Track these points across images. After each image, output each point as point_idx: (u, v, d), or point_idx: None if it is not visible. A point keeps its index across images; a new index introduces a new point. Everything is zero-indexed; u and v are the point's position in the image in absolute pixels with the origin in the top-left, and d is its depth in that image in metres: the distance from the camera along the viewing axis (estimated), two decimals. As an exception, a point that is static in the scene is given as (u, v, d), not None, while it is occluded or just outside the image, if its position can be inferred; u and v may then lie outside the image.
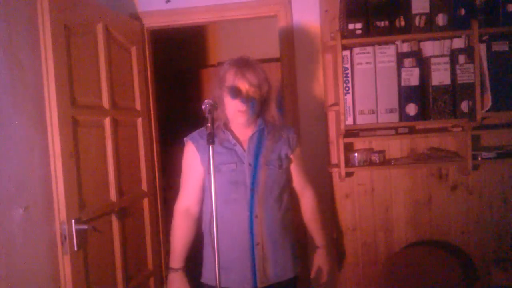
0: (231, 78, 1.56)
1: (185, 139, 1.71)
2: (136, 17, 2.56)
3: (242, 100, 1.55)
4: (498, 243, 2.29)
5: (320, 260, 1.82)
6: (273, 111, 1.68)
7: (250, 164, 1.61)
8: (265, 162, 1.63)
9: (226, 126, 1.66)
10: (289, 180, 1.76)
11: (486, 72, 2.09)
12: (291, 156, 1.74)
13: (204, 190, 1.71)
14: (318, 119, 2.51)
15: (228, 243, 1.58)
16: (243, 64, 1.58)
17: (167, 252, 2.67)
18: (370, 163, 2.26)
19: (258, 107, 1.62)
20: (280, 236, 1.66)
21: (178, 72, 4.11)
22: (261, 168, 1.62)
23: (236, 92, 1.54)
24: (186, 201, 1.70)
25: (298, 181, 1.82)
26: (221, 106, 1.61)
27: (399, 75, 2.12)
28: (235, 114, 1.59)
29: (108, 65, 2.10)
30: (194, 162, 1.66)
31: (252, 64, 1.59)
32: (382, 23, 2.11)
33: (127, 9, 2.56)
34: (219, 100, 1.60)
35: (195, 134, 1.70)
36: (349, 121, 2.15)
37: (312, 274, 1.83)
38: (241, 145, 1.64)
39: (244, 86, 1.56)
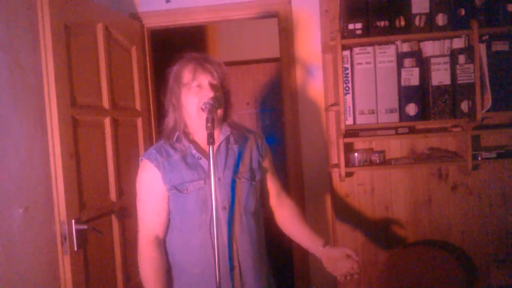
0: (191, 73, 1.38)
1: (140, 157, 1.47)
2: (136, 17, 2.56)
3: (208, 89, 1.37)
4: (498, 243, 2.29)
5: (335, 250, 1.46)
6: (232, 115, 1.49)
7: (219, 179, 1.40)
8: (236, 175, 1.43)
9: (188, 137, 1.43)
10: (262, 193, 1.56)
11: (486, 72, 2.09)
12: (264, 165, 1.53)
13: (171, 216, 1.45)
14: (318, 119, 2.51)
15: (202, 271, 1.39)
16: (202, 59, 1.41)
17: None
18: (370, 163, 2.26)
19: (222, 106, 1.41)
20: (257, 257, 1.46)
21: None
22: (233, 182, 1.41)
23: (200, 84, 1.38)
24: (152, 228, 1.43)
25: (273, 191, 1.59)
26: (178, 110, 1.42)
27: (399, 75, 2.12)
28: (199, 112, 1.36)
29: (108, 65, 2.10)
30: (155, 183, 1.41)
31: (210, 59, 1.42)
32: (382, 23, 2.11)
33: (127, 9, 2.56)
34: (176, 103, 1.42)
35: (151, 151, 1.45)
36: (349, 121, 2.14)
37: (339, 271, 1.42)
38: (207, 158, 1.39)
39: (207, 78, 1.38)
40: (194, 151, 1.42)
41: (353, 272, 1.40)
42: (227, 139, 1.46)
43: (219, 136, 1.45)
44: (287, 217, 1.59)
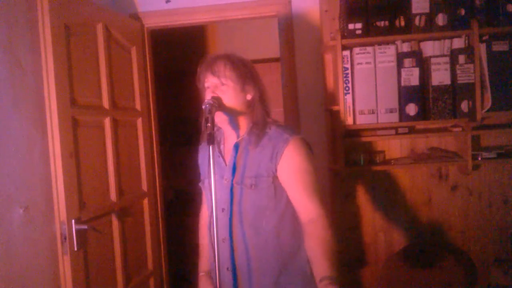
0: (200, 75, 1.43)
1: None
2: (136, 17, 2.56)
3: (208, 89, 1.40)
4: (498, 243, 2.29)
5: None
6: (258, 113, 1.42)
7: (226, 180, 1.43)
8: (237, 179, 1.40)
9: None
10: (278, 202, 1.39)
11: (486, 72, 2.09)
12: (277, 173, 1.37)
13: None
14: (318, 119, 2.51)
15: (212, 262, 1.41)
16: (209, 59, 1.42)
17: (167, 252, 2.68)
18: (370, 163, 2.26)
19: (236, 104, 1.39)
20: (259, 266, 1.39)
21: (178, 72, 4.12)
22: (232, 186, 1.41)
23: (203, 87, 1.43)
24: (204, 210, 1.64)
25: (296, 206, 1.38)
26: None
27: (399, 75, 2.12)
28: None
29: (108, 65, 2.10)
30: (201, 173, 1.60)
31: (217, 58, 1.40)
32: (382, 23, 2.11)
33: (127, 9, 2.55)
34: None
35: (202, 143, 1.60)
36: (349, 121, 2.15)
37: None
38: (223, 157, 1.47)
39: (209, 79, 1.40)
40: (216, 149, 1.49)
41: None
42: (247, 139, 1.42)
43: (236, 135, 1.45)
44: (305, 236, 1.34)
